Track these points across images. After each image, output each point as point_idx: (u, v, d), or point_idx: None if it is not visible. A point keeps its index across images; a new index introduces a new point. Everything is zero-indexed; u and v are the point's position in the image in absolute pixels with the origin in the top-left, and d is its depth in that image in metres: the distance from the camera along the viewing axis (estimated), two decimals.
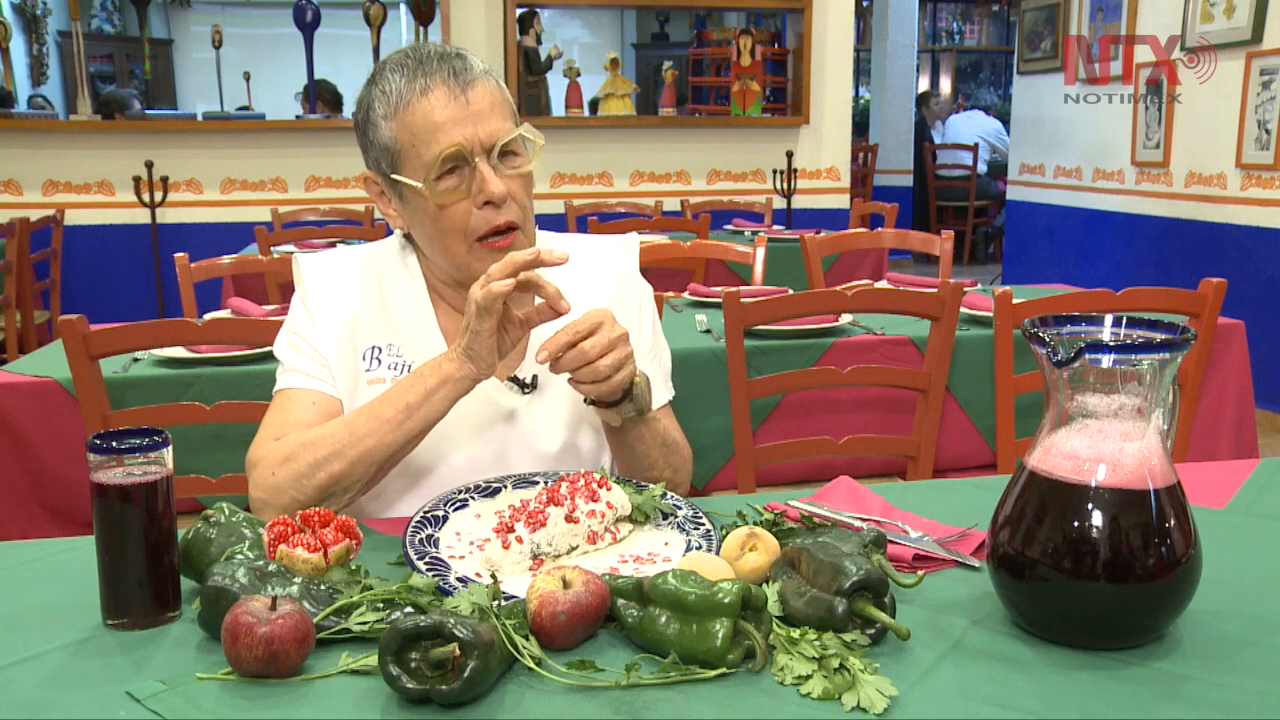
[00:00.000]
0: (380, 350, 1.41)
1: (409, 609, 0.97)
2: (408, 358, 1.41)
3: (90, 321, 1.99)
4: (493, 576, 1.02)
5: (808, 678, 0.88)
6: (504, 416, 1.42)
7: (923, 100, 10.77)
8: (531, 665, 0.90)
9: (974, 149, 9.77)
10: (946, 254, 3.41)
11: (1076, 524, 0.93)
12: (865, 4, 10.53)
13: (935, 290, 2.35)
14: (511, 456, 1.42)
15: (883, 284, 3.22)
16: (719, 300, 2.69)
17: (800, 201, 6.15)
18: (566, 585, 0.96)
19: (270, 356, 2.34)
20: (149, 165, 5.48)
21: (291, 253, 3.97)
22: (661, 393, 1.51)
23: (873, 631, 0.94)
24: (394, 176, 1.36)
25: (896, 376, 2.34)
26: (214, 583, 0.95)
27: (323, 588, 1.00)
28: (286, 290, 3.47)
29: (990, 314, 2.48)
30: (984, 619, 1.01)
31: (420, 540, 1.15)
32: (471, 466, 1.40)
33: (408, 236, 1.46)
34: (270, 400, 1.43)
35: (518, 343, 1.30)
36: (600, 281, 1.49)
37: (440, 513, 1.22)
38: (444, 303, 1.46)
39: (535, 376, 1.44)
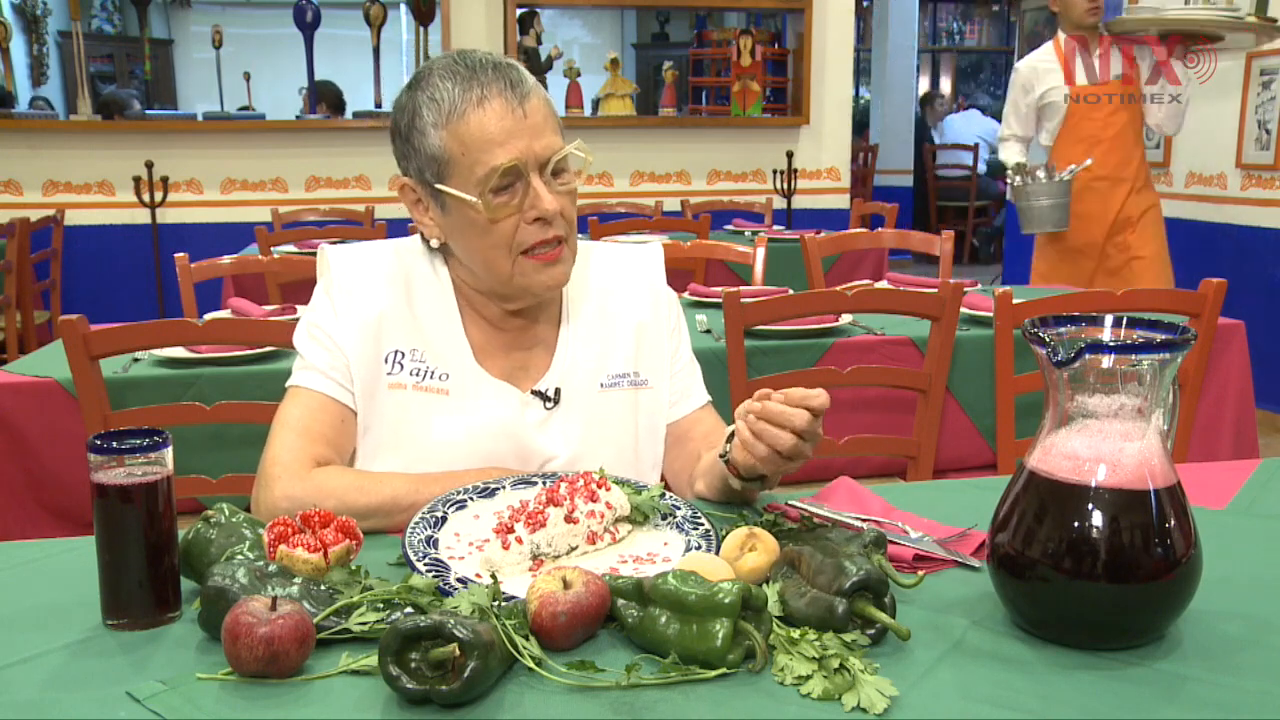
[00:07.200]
0: (404, 355, 1.39)
1: (409, 609, 0.97)
2: (431, 364, 1.40)
3: (90, 321, 1.99)
4: (493, 577, 1.02)
5: (808, 678, 0.88)
6: (525, 429, 1.41)
7: (926, 101, 10.76)
8: (531, 665, 0.90)
9: (974, 149, 9.77)
10: (946, 254, 3.41)
11: (1076, 524, 0.93)
12: (865, 4, 10.52)
13: (935, 290, 2.35)
14: (531, 470, 1.40)
15: (883, 284, 3.22)
16: (719, 300, 2.69)
17: (800, 201, 6.14)
18: (566, 585, 0.96)
19: (270, 357, 2.37)
20: (149, 165, 5.48)
21: (292, 253, 3.98)
22: (701, 394, 1.54)
23: (873, 632, 0.94)
24: (439, 186, 1.33)
25: (896, 376, 2.34)
26: (214, 583, 0.95)
27: (323, 588, 1.00)
28: (287, 290, 3.46)
29: (990, 314, 2.48)
30: (984, 619, 1.01)
31: (420, 541, 1.15)
32: None
33: (442, 245, 1.43)
34: (270, 399, 1.42)
35: None
36: (636, 291, 1.50)
37: (439, 513, 1.22)
38: (472, 310, 1.43)
39: (558, 390, 1.43)
